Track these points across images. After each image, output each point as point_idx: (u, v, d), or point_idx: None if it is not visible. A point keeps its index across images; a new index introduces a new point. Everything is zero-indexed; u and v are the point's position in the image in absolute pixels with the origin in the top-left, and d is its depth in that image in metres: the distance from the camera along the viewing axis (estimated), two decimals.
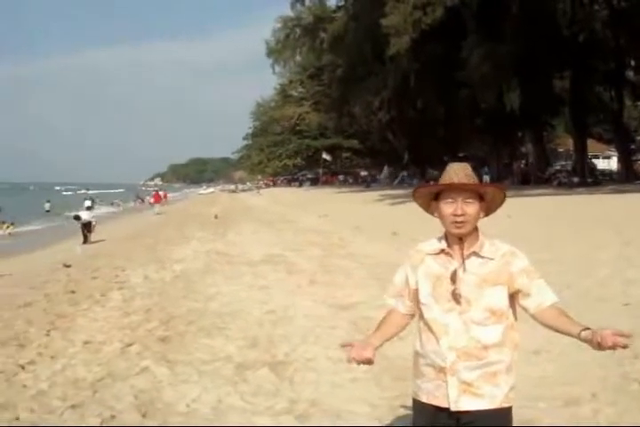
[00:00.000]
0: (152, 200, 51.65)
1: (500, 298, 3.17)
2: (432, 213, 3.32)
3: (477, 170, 52.84)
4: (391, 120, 60.64)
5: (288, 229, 24.59)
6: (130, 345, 7.73)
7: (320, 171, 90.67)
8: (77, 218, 27.05)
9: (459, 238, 3.20)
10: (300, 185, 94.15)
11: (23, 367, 6.98)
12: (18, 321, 9.35)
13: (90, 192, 73.39)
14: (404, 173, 71.94)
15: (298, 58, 66.95)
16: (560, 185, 40.77)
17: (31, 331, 8.66)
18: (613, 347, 2.88)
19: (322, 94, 76.46)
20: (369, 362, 3.25)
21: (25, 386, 6.39)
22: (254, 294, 11.14)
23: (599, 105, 46.32)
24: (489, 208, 3.29)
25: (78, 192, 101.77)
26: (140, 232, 27.49)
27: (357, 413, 5.55)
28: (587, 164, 46.19)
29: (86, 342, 7.94)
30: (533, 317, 3.22)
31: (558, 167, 53.46)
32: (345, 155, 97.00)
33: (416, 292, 3.29)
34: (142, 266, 14.89)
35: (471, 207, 3.16)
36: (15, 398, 6.04)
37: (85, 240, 25.75)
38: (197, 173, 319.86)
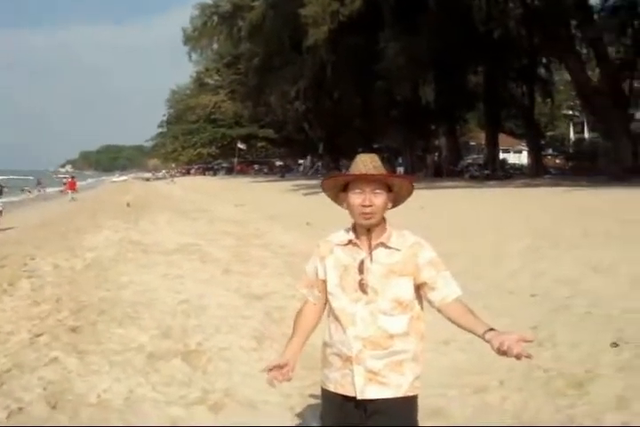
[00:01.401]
0: (66, 187, 52.54)
1: (406, 289, 3.21)
2: (341, 204, 3.34)
3: (391, 161, 53.59)
4: (307, 110, 60.77)
5: (203, 219, 24.41)
6: (39, 335, 7.54)
7: (235, 160, 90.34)
8: None
9: (367, 229, 3.23)
10: (215, 174, 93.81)
11: None
12: None
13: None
14: (319, 164, 72.28)
15: (215, 46, 66.19)
16: (472, 178, 41.63)
17: None
18: (518, 357, 2.88)
19: (238, 83, 76.05)
20: (288, 381, 3.33)
21: None
22: (168, 284, 11.00)
23: (511, 101, 47.35)
24: (396, 199, 3.32)
25: None
26: (51, 220, 26.85)
27: (270, 402, 5.57)
28: (498, 157, 47.20)
29: None
30: (438, 310, 3.26)
31: (470, 160, 54.52)
32: (260, 144, 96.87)
33: (324, 283, 3.33)
34: (52, 254, 14.53)
35: (379, 198, 3.19)
36: None
37: None
38: (110, 160, 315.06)
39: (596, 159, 44.26)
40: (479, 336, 3.06)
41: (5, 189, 45.23)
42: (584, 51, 37.30)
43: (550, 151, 64.22)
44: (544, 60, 45.21)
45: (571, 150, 62.40)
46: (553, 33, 34.48)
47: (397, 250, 3.22)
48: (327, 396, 3.37)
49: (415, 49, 35.81)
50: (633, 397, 5.19)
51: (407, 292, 3.22)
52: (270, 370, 3.28)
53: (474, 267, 10.95)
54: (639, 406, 5.03)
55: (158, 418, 5.22)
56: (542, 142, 55.11)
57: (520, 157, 67.75)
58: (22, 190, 63.26)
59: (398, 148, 57.42)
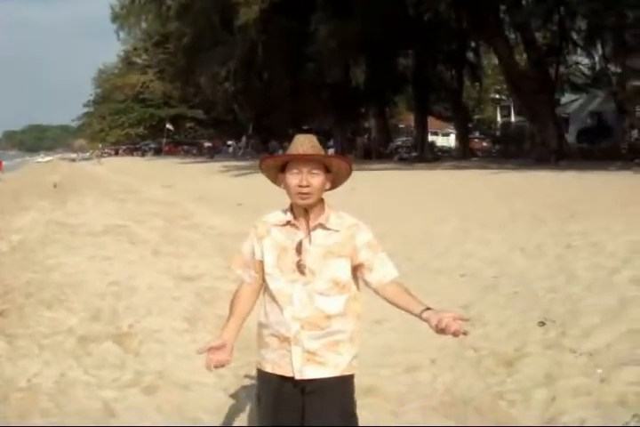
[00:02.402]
0: None
1: (343, 270, 3.24)
2: (279, 185, 3.34)
3: (323, 143, 53.55)
4: (237, 91, 60.27)
5: (131, 200, 24.10)
6: None
7: (164, 141, 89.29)
8: None
9: (304, 210, 3.25)
10: (143, 155, 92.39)
11: None
12: None
13: None
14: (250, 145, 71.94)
15: (143, 25, 64.75)
16: (401, 160, 41.91)
17: None
18: (455, 334, 2.99)
19: (167, 63, 74.83)
20: (227, 364, 3.31)
21: None
22: (96, 265, 10.82)
23: (440, 84, 47.73)
24: (335, 180, 3.33)
25: None
26: None
27: (204, 383, 5.57)
28: (427, 140, 47.68)
29: None
30: (375, 291, 3.31)
31: (399, 143, 54.84)
32: (189, 125, 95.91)
33: (261, 263, 3.32)
34: None
35: (316, 179, 3.20)
36: None
37: None
38: (35, 140, 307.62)
39: (522, 143, 44.99)
40: (416, 315, 3.12)
41: None
42: (512, 35, 37.75)
43: (477, 134, 65.01)
44: (473, 44, 45.68)
45: (497, 134, 63.31)
46: (482, 17, 34.83)
47: (336, 231, 3.25)
48: (263, 377, 3.38)
49: (346, 32, 35.75)
50: (559, 374, 5.35)
51: (344, 273, 3.25)
52: (208, 351, 3.26)
53: (404, 248, 11.07)
54: (565, 382, 5.20)
55: (91, 401, 5.16)
56: (470, 125, 55.82)
57: (448, 140, 68.42)
58: None
59: (329, 129, 57.48)
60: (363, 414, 4.92)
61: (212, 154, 74.06)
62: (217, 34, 47.94)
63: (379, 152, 47.63)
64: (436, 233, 12.41)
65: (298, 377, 3.21)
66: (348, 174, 3.35)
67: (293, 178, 3.19)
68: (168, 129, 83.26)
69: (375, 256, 3.28)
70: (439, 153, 48.78)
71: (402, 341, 6.61)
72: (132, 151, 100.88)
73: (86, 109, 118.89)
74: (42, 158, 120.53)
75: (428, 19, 33.33)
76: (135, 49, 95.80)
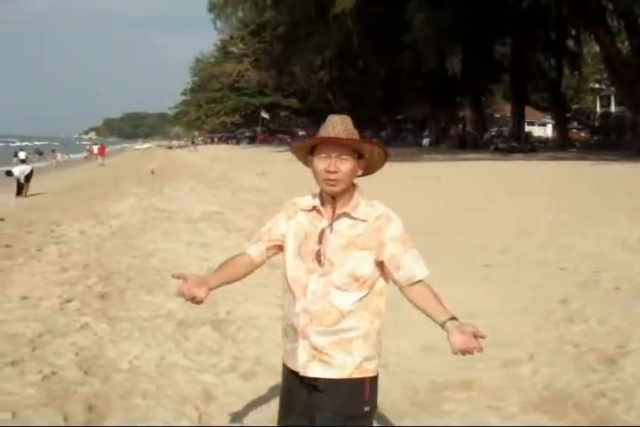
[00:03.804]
0: (97, 152, 57.99)
1: (364, 264, 3.00)
2: (310, 167, 3.11)
3: (419, 133, 53.28)
4: (331, 80, 60.44)
5: (226, 187, 24.44)
6: (69, 301, 7.59)
7: (258, 129, 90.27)
8: (9, 173, 25.84)
9: (332, 197, 3.03)
10: (238, 143, 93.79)
11: None
12: None
13: (23, 144, 71.37)
14: None
15: (240, 14, 65.32)
16: (497, 150, 41.28)
17: None
18: (467, 352, 2.79)
19: (262, 52, 75.63)
20: (198, 302, 3.01)
21: None
22: (194, 251, 11.06)
23: (538, 73, 46.83)
24: (368, 166, 3.10)
25: (11, 144, 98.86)
26: (77, 186, 27.01)
27: None
28: (523, 130, 46.89)
29: (24, 298, 7.74)
30: (401, 291, 3.06)
31: (494, 133, 54.11)
32: (284, 113, 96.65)
33: (281, 238, 3.16)
34: (79, 221, 14.61)
35: (346, 164, 2.96)
36: None
37: (19, 193, 24.94)
38: (133, 127, 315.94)
39: (622, 134, 43.82)
40: (439, 325, 2.89)
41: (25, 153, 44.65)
42: (614, 23, 36.74)
43: (575, 125, 63.61)
44: (573, 32, 44.56)
45: (596, 124, 61.84)
46: (583, 4, 33.99)
47: (363, 221, 3.01)
48: (283, 368, 3.22)
49: (442, 20, 35.46)
50: None
51: (365, 267, 3.01)
52: (183, 280, 2.99)
53: (499, 240, 10.89)
54: None
55: (190, 385, 5.26)
56: (568, 115, 54.64)
57: (545, 130, 67.23)
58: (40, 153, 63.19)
59: (423, 119, 57.10)
60: (460, 407, 4.90)
61: None
62: (312, 23, 48.15)
63: (474, 142, 47.02)
64: (532, 225, 12.17)
65: (302, 374, 3.03)
66: (383, 161, 3.11)
67: (321, 162, 2.98)
68: (263, 117, 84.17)
69: (405, 253, 3.00)
70: (536, 143, 47.94)
71: (497, 335, 6.50)
72: (227, 139, 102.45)
73: (183, 98, 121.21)
74: (140, 145, 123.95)
75: (527, 6, 32.69)
76: (231, 38, 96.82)
